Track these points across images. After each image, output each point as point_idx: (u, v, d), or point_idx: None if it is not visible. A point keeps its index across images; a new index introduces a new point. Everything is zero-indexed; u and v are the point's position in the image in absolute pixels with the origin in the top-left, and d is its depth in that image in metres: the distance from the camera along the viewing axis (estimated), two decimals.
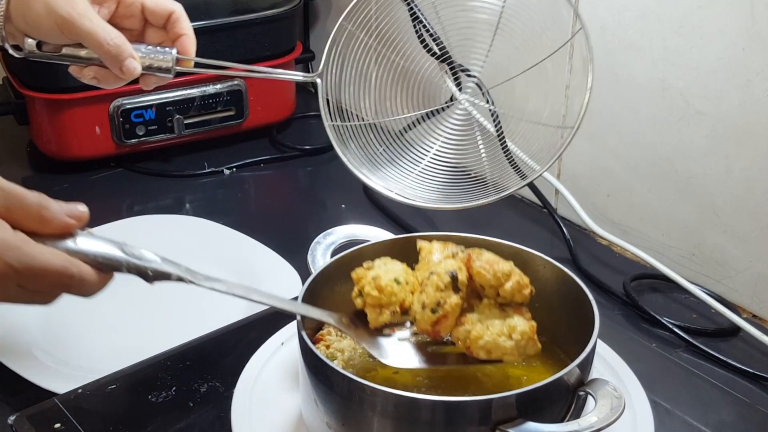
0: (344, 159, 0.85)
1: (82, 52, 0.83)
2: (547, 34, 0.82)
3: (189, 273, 0.66)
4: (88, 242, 0.63)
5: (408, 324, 0.74)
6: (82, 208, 0.63)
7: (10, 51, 0.84)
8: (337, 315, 0.73)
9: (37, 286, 0.61)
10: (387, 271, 0.73)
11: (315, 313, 0.72)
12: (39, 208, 0.60)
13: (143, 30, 0.87)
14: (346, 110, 0.88)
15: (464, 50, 0.96)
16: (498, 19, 0.86)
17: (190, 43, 0.86)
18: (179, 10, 0.86)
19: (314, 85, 0.90)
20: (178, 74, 0.87)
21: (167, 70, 0.85)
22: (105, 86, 0.86)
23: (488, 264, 0.69)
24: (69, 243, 0.62)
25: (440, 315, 0.69)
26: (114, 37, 0.81)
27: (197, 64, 0.87)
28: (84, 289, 0.62)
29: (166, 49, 0.85)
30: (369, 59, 0.90)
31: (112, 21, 0.84)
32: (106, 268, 0.63)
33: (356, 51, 0.90)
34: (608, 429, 0.63)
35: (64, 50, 0.83)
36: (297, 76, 0.88)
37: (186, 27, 0.86)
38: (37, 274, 0.59)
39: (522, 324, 0.69)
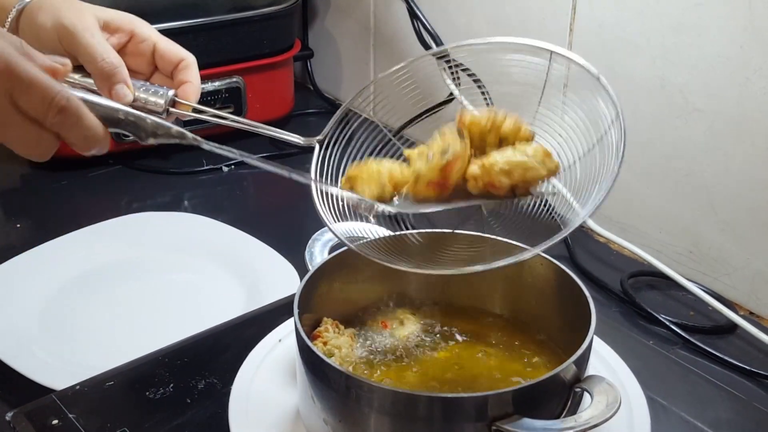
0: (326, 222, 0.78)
1: (77, 75, 0.79)
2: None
3: (189, 135, 0.65)
4: (93, 95, 0.62)
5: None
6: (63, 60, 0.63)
7: None
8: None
9: (37, 106, 0.57)
10: (377, 162, 0.73)
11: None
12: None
13: (149, 77, 0.84)
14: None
15: None
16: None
17: (192, 90, 0.81)
18: (190, 59, 0.83)
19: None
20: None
21: (159, 110, 0.79)
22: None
23: (479, 114, 0.69)
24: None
25: (450, 158, 0.68)
26: (112, 57, 0.78)
27: (195, 111, 0.82)
28: (80, 123, 0.59)
29: (164, 87, 0.80)
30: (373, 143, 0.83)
31: (121, 56, 0.80)
32: (104, 120, 0.61)
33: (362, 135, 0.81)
34: (605, 426, 0.63)
35: None
36: (297, 139, 0.81)
37: (193, 75, 0.82)
38: (37, 87, 0.57)
39: (532, 145, 0.68)
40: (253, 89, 1.35)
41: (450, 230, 0.76)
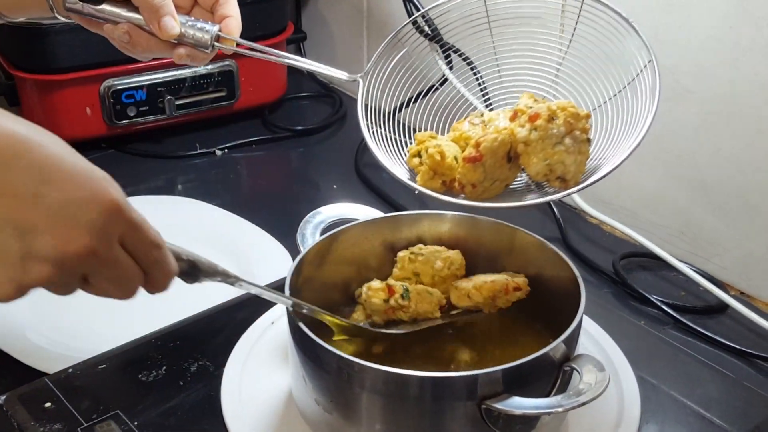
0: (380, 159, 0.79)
1: (123, 10, 0.80)
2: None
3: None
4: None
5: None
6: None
7: (51, 6, 0.82)
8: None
9: (138, 251, 0.58)
10: (449, 145, 0.75)
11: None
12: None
13: (190, 10, 0.84)
14: (384, 113, 0.82)
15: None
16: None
17: (235, 24, 0.82)
18: None
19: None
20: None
21: (204, 45, 0.80)
22: (134, 50, 0.83)
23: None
24: None
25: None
26: None
27: (239, 46, 0.83)
28: (168, 260, 0.61)
29: (209, 23, 0.81)
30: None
31: None
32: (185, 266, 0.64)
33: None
34: (595, 403, 0.64)
35: (105, 5, 0.80)
36: (341, 75, 0.82)
37: (233, 9, 0.83)
38: (145, 231, 0.58)
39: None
40: (246, 72, 1.35)
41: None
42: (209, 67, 1.31)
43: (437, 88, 0.91)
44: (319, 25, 1.54)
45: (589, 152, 0.73)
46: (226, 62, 1.32)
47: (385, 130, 0.79)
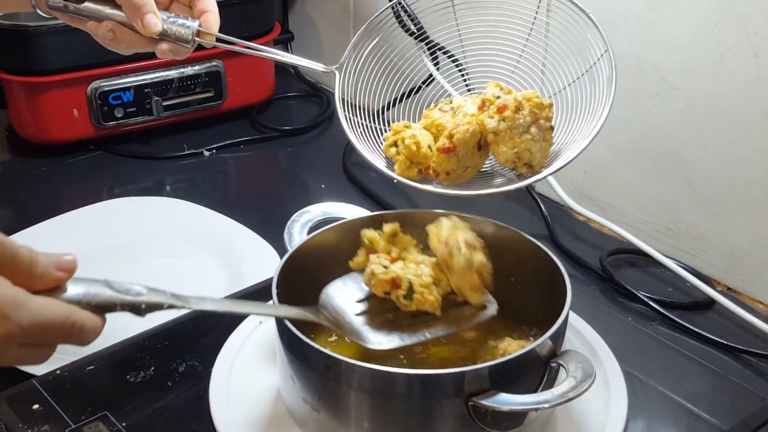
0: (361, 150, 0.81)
1: (105, 8, 0.81)
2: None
3: (177, 299, 0.63)
4: (78, 288, 0.59)
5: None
6: (69, 258, 0.59)
7: (34, 5, 0.83)
8: (313, 309, 0.73)
9: (42, 341, 0.57)
10: (423, 135, 0.79)
11: (293, 312, 0.71)
12: (30, 264, 0.56)
13: (169, 5, 0.85)
14: (361, 106, 0.85)
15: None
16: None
17: (214, 19, 0.84)
18: None
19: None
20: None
21: (186, 40, 0.82)
22: (118, 46, 0.84)
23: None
24: (61, 294, 0.58)
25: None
26: None
27: (219, 41, 0.85)
28: (84, 335, 0.58)
29: (189, 19, 0.83)
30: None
31: None
32: (100, 310, 0.60)
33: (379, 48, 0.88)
34: (582, 399, 0.64)
35: (87, 3, 0.81)
36: (317, 66, 0.84)
37: (211, 4, 0.85)
38: (44, 328, 0.55)
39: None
40: (234, 73, 1.35)
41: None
42: (196, 67, 1.31)
43: (419, 87, 0.93)
44: (306, 25, 1.54)
45: (552, 139, 0.77)
46: (214, 63, 1.32)
47: (361, 119, 0.82)
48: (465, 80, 0.91)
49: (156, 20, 0.80)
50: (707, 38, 0.93)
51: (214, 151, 1.33)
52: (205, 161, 1.31)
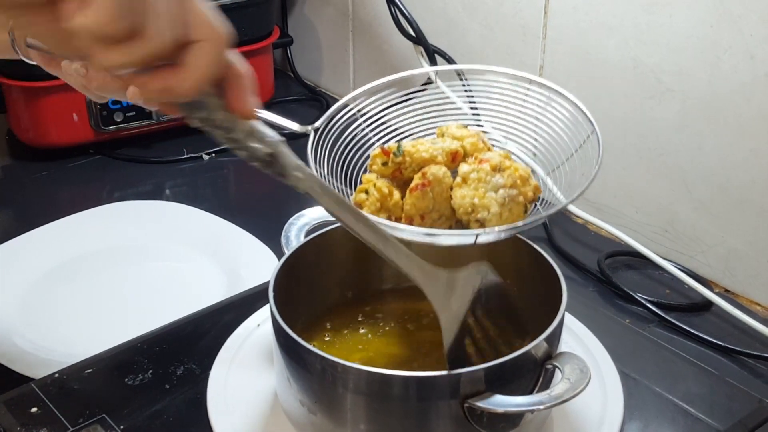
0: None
1: None
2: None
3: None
4: None
5: None
6: None
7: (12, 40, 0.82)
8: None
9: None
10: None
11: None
12: None
13: None
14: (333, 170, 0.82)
15: None
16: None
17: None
18: None
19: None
20: None
21: None
22: (90, 86, 0.76)
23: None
24: None
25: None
26: None
27: None
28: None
29: None
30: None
31: None
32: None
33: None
34: (578, 399, 0.64)
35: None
36: (292, 125, 0.82)
37: None
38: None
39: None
40: None
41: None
42: None
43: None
44: (305, 29, 1.54)
45: (524, 216, 0.74)
46: None
47: (330, 176, 0.78)
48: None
49: None
50: (703, 40, 0.93)
51: (213, 155, 1.33)
52: (205, 165, 1.32)
